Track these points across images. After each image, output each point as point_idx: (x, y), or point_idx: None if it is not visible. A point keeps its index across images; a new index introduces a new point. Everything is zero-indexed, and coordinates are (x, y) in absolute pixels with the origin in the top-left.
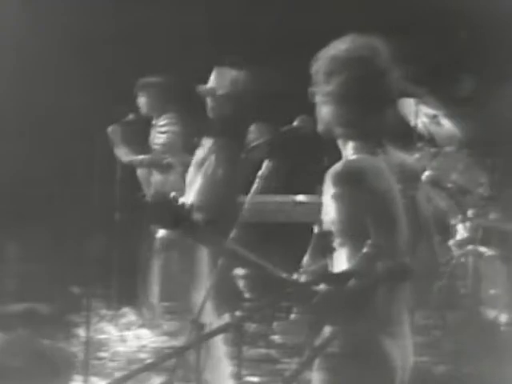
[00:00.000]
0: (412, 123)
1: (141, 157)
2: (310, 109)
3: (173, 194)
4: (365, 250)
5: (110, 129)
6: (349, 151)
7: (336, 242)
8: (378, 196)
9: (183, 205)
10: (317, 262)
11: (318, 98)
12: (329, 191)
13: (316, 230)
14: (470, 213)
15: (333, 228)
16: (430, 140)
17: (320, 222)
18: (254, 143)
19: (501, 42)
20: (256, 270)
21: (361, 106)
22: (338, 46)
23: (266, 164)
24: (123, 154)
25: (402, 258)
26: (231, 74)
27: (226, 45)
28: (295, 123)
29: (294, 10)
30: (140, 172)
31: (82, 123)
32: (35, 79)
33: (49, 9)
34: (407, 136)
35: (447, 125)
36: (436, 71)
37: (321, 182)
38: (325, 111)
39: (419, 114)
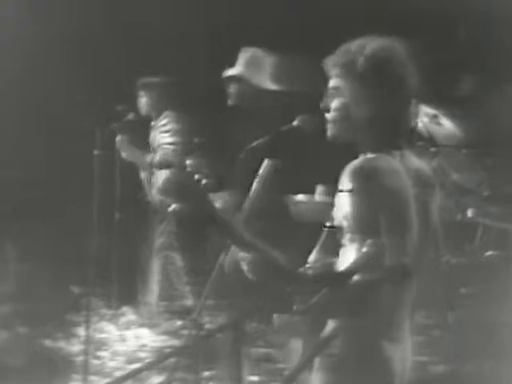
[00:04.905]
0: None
1: (150, 157)
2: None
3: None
4: (365, 249)
5: (117, 138)
6: (367, 151)
7: (346, 238)
8: (392, 195)
9: (199, 181)
10: (324, 259)
11: (345, 98)
12: (344, 186)
13: (327, 225)
14: (469, 213)
15: (345, 223)
16: (430, 140)
17: (332, 218)
18: (254, 143)
19: (501, 42)
20: (262, 257)
21: (394, 105)
22: (373, 46)
23: (265, 164)
24: (131, 156)
25: (403, 259)
26: None
27: (227, 44)
28: (295, 123)
29: (292, 10)
30: (143, 172)
31: (82, 123)
32: (35, 79)
33: (49, 8)
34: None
35: (447, 125)
36: (436, 71)
37: (321, 181)
38: (356, 111)
39: (419, 113)
